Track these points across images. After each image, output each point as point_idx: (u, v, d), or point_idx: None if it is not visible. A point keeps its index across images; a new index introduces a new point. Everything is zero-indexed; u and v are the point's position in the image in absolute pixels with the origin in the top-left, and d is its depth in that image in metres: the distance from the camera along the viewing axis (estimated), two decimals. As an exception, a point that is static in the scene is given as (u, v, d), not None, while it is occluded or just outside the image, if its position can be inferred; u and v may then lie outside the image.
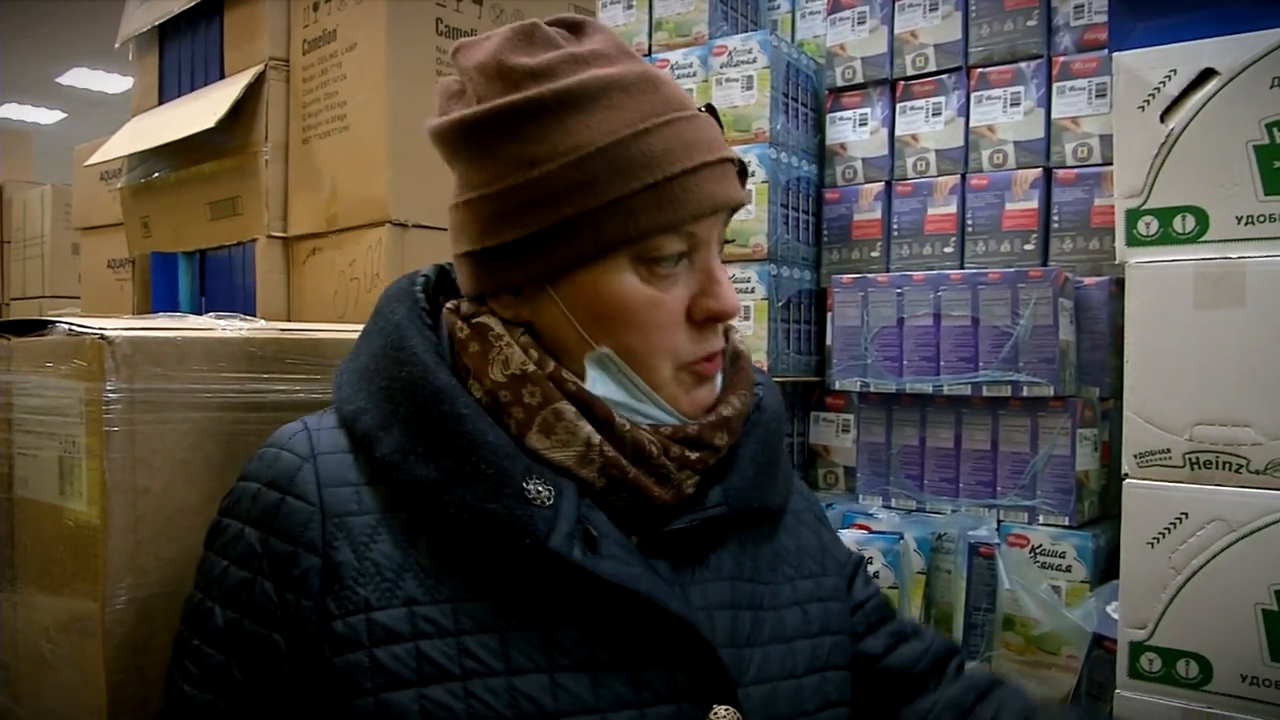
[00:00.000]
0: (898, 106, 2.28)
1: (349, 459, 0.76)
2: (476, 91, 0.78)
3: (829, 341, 2.14)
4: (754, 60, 2.24)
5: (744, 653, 0.78)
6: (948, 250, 2.19)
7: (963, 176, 2.19)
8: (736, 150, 2.23)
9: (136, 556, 0.84)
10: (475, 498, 0.71)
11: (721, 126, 0.82)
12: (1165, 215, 1.35)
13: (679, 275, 0.78)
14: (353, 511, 0.74)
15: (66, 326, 0.86)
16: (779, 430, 0.89)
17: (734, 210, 0.81)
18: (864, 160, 2.33)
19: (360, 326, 0.85)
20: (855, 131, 2.35)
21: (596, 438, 0.75)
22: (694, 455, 0.79)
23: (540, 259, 0.75)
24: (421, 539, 0.73)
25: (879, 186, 2.30)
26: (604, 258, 0.74)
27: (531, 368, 0.76)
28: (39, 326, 0.90)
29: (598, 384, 0.77)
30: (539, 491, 0.72)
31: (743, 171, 0.81)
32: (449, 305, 0.83)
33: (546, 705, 0.69)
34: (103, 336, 0.83)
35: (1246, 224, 1.30)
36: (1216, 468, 1.30)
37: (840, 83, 2.36)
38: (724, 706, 0.74)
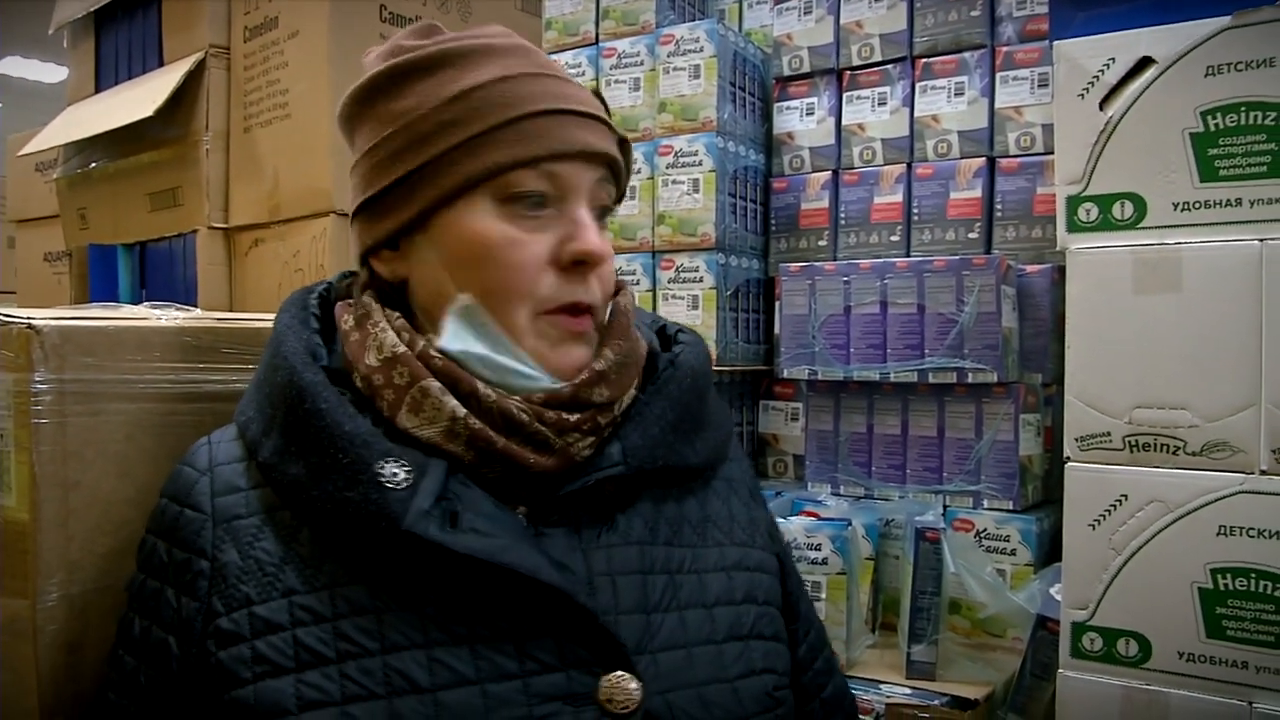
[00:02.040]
0: (844, 96, 2.29)
1: (240, 466, 0.78)
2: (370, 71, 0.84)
3: (777, 330, 2.15)
4: (701, 49, 2.24)
5: (654, 618, 0.77)
6: (894, 239, 2.20)
7: (908, 166, 2.21)
8: (681, 140, 2.23)
9: (68, 552, 0.82)
10: (335, 489, 0.73)
11: (609, 113, 0.83)
12: (1105, 202, 1.37)
13: (545, 221, 0.78)
14: (240, 515, 0.76)
15: (-8, 317, 0.84)
16: (697, 387, 0.85)
17: (609, 167, 0.82)
18: (811, 149, 2.34)
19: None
20: (802, 121, 2.36)
21: (461, 411, 0.74)
22: (573, 417, 0.77)
23: (408, 203, 0.78)
24: (303, 532, 0.75)
25: (826, 175, 2.31)
26: (465, 196, 0.77)
27: (401, 349, 0.77)
28: (-36, 317, 0.87)
29: (455, 340, 0.77)
30: (394, 474, 0.73)
31: (624, 143, 0.83)
32: (342, 303, 0.86)
33: (421, 680, 0.70)
34: (30, 326, 0.80)
35: (1183, 210, 1.32)
36: (1155, 450, 1.33)
37: (787, 72, 2.37)
38: (617, 673, 0.72)
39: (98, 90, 2.18)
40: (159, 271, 2.03)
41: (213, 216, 1.90)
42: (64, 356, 0.82)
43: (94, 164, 2.13)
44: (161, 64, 2.00)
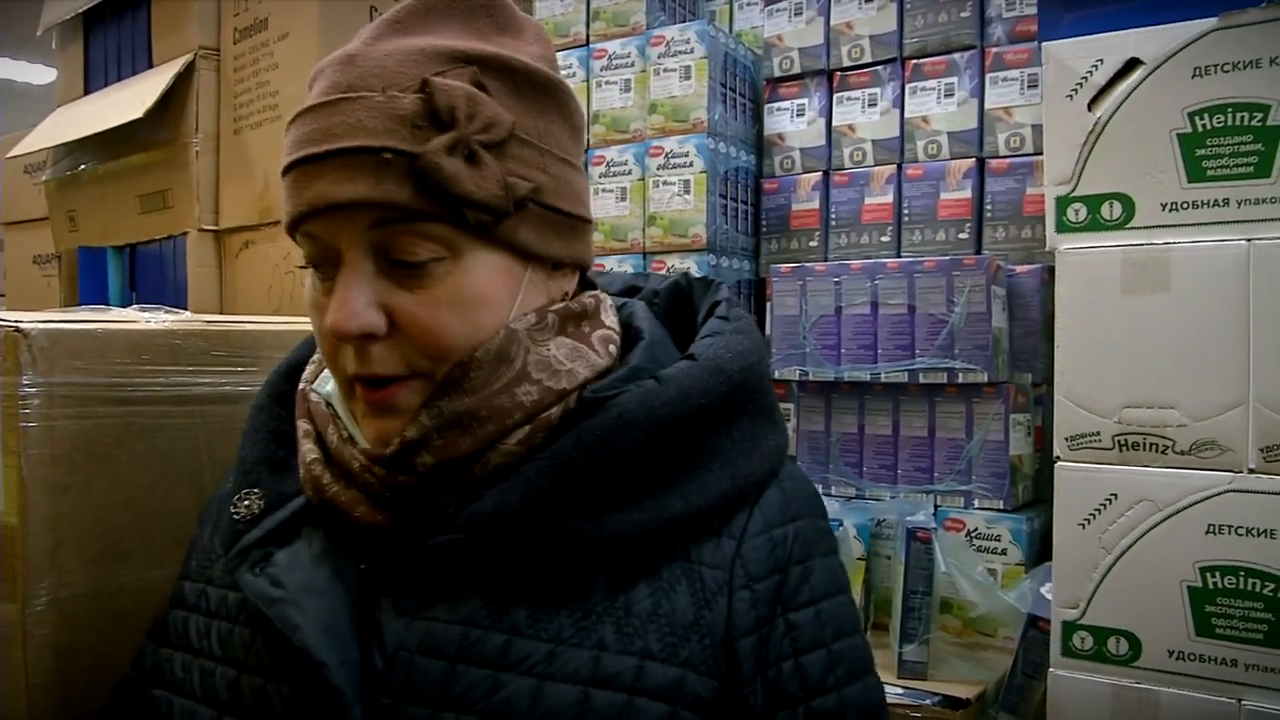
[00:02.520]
0: (835, 97, 2.30)
1: None
2: None
3: (768, 331, 2.15)
4: (692, 50, 2.24)
5: (443, 716, 0.64)
6: (884, 239, 2.21)
7: (898, 166, 2.21)
8: (672, 141, 2.23)
9: (57, 556, 0.82)
10: (224, 505, 0.77)
11: (436, 107, 0.65)
12: (1093, 202, 1.38)
13: (335, 285, 0.68)
14: (222, 497, 0.80)
15: (-20, 320, 0.83)
16: (632, 441, 0.67)
17: (399, 208, 0.64)
18: (802, 150, 2.34)
19: (295, 319, 0.84)
20: (793, 122, 2.36)
21: (311, 454, 0.73)
22: (403, 478, 0.68)
23: None
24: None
25: (817, 176, 2.31)
26: None
27: (303, 385, 0.78)
28: (-48, 321, 0.87)
29: (325, 382, 0.77)
30: (246, 504, 0.75)
31: (421, 167, 0.64)
32: None
33: (221, 696, 0.72)
34: (18, 329, 0.80)
35: (1171, 211, 1.33)
36: (1144, 449, 1.33)
37: (778, 73, 2.37)
38: None
39: (87, 92, 2.18)
40: (149, 274, 2.03)
41: (203, 218, 1.90)
42: (52, 360, 0.82)
43: (83, 166, 2.13)
44: (151, 66, 2.00)
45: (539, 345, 0.70)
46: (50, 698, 0.82)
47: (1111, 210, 1.37)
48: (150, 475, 0.82)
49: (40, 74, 7.97)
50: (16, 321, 0.81)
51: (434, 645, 0.66)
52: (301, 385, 0.78)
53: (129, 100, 1.90)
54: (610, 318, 0.77)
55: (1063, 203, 1.40)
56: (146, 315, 0.93)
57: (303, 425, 0.75)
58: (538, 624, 0.66)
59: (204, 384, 0.91)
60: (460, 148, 0.64)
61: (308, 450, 0.73)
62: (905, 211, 2.19)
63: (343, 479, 0.70)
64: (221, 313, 1.87)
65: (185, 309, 1.62)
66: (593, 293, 0.78)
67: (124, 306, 1.45)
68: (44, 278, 2.61)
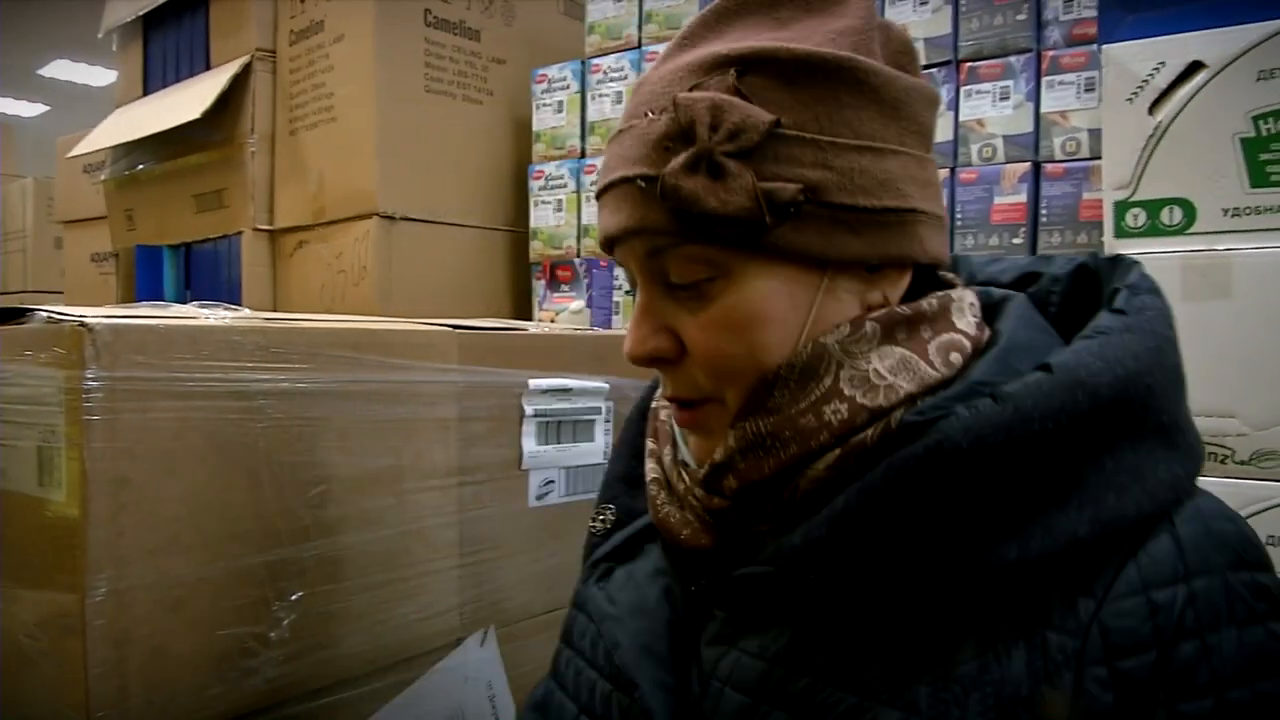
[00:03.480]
0: (886, 100, 2.28)
1: None
2: None
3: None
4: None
5: None
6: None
7: (952, 171, 2.19)
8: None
9: (117, 548, 0.83)
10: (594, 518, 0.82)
11: (681, 124, 0.61)
12: (1153, 207, 1.35)
13: None
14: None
15: (45, 314, 0.85)
16: (942, 479, 0.56)
17: (649, 241, 0.63)
18: (852, 154, 2.33)
19: (349, 318, 0.85)
20: (844, 125, 2.34)
21: (652, 473, 0.73)
22: (715, 501, 0.66)
23: None
24: None
25: (867, 180, 2.29)
26: None
27: (656, 403, 0.80)
28: (17, 315, 0.89)
29: None
30: (601, 518, 0.79)
31: (662, 189, 0.60)
32: None
33: (582, 696, 0.74)
34: (82, 324, 0.82)
35: (1233, 216, 1.30)
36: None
37: (829, 77, 2.36)
38: None
39: (145, 93, 2.22)
40: (204, 272, 2.06)
41: (258, 218, 1.92)
42: (116, 354, 0.83)
43: (141, 166, 2.17)
44: (208, 67, 2.03)
45: (856, 358, 0.62)
46: (107, 687, 0.83)
47: (1171, 215, 1.34)
48: (208, 470, 0.83)
49: (100, 76, 8.15)
50: (81, 316, 0.83)
51: (741, 678, 0.63)
52: (654, 403, 0.77)
53: (186, 101, 1.93)
54: (966, 319, 0.66)
55: (1121, 207, 1.38)
56: (206, 311, 0.94)
57: (649, 444, 0.75)
58: (846, 671, 0.59)
59: (262, 380, 0.92)
60: (702, 162, 0.60)
61: (650, 469, 0.73)
62: (959, 216, 2.17)
63: (675, 500, 0.70)
64: (275, 310, 1.89)
65: (241, 306, 1.64)
66: (942, 293, 0.67)
67: (181, 304, 1.47)
68: (101, 275, 2.66)
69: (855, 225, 0.61)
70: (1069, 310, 0.70)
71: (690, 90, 0.61)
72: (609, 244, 0.66)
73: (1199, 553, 0.57)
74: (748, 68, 0.61)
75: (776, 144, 0.60)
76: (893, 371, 0.62)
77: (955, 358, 0.63)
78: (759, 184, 0.59)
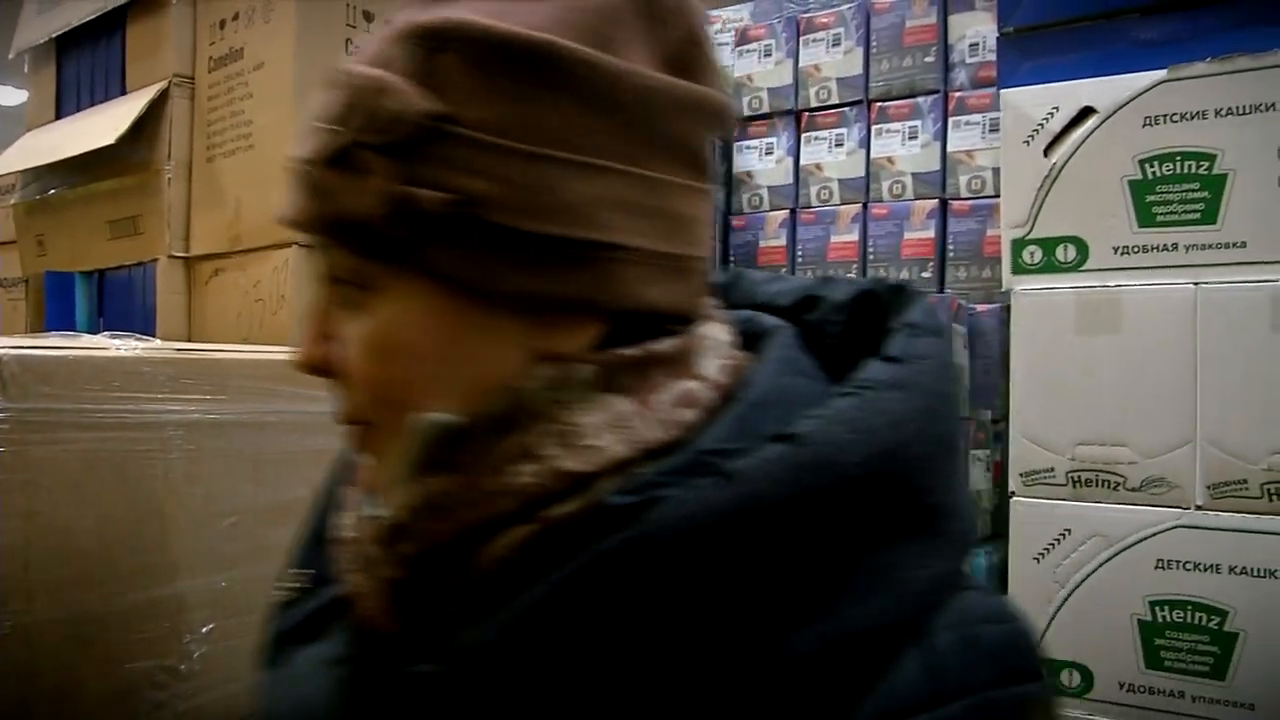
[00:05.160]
0: (802, 137, 2.34)
1: None
2: None
3: (735, 365, 2.17)
4: (662, 88, 2.28)
5: None
6: (850, 277, 2.25)
7: (864, 206, 2.25)
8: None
9: (24, 581, 0.83)
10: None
11: (339, 105, 0.51)
12: (1048, 245, 1.42)
13: None
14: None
15: (-48, 346, 0.84)
16: (639, 588, 0.46)
17: (317, 234, 0.53)
18: (770, 188, 2.38)
19: (267, 347, 0.85)
20: (761, 160, 2.40)
21: (348, 528, 0.58)
22: (385, 571, 0.53)
23: None
24: None
25: (784, 214, 2.35)
26: None
27: None
28: (-77, 346, 0.88)
29: None
30: (290, 585, 0.64)
31: (304, 178, 0.52)
32: None
33: None
34: (-10, 356, 0.81)
35: (1122, 254, 1.37)
36: (1096, 485, 1.36)
37: (747, 112, 2.41)
38: None
39: (58, 116, 2.18)
40: (117, 300, 2.03)
41: (173, 245, 1.90)
42: (23, 385, 0.83)
43: (53, 190, 2.13)
44: (124, 92, 2.00)
45: (562, 410, 0.51)
46: (12, 723, 0.82)
47: (1066, 253, 1.41)
48: (118, 502, 0.83)
49: (10, 95, 7.92)
50: (-12, 348, 0.82)
51: None
52: None
53: (101, 126, 1.91)
54: (712, 363, 0.55)
55: (1019, 245, 1.44)
56: (117, 342, 0.94)
57: (351, 492, 0.59)
58: None
59: (173, 411, 0.92)
60: (342, 153, 0.50)
61: (346, 524, 0.58)
62: (870, 250, 2.23)
63: (364, 565, 0.55)
64: (190, 340, 1.87)
65: (154, 336, 1.62)
66: (684, 332, 0.54)
67: (92, 332, 1.45)
68: (10, 301, 2.59)
69: (520, 255, 0.49)
70: (850, 345, 0.58)
71: (370, 63, 0.51)
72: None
73: (955, 671, 0.47)
74: (443, 45, 0.49)
75: (440, 143, 0.49)
76: (603, 429, 0.50)
77: (687, 414, 0.52)
78: (400, 188, 0.48)
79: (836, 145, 2.30)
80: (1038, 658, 0.51)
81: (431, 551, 0.51)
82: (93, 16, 2.02)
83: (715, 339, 0.56)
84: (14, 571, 0.82)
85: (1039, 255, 1.43)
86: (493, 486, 0.50)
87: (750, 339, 0.58)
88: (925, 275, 2.16)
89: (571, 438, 0.50)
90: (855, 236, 2.24)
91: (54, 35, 2.14)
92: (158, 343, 0.97)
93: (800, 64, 2.34)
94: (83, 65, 2.16)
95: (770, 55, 2.38)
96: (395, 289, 0.51)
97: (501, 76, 0.49)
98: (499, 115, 0.49)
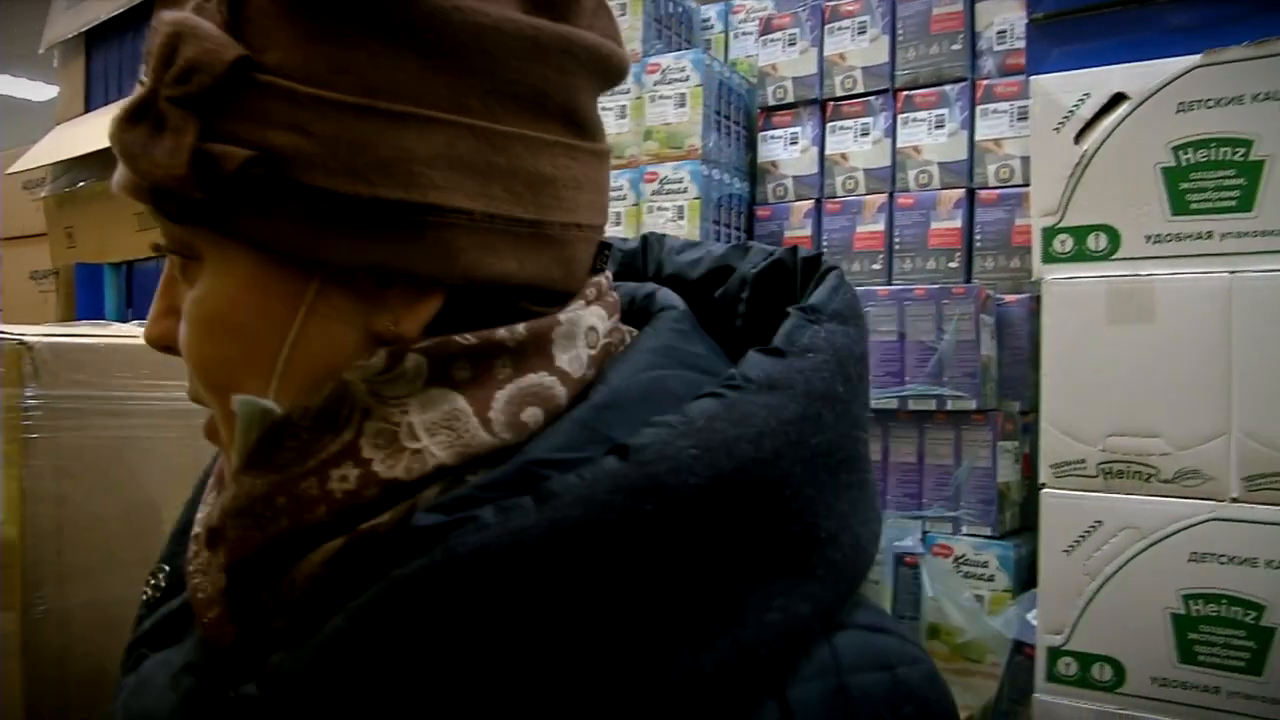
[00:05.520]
0: (827, 126, 2.33)
1: None
2: None
3: (760, 356, 2.17)
4: (687, 78, 2.27)
5: None
6: (875, 267, 2.23)
7: (890, 195, 2.24)
8: (667, 168, 2.25)
9: (57, 566, 0.83)
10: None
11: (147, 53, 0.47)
12: (1079, 233, 1.40)
13: None
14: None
15: (-15, 333, 0.85)
16: (442, 618, 0.41)
17: (137, 199, 0.48)
18: (794, 178, 2.37)
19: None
20: (786, 150, 2.39)
21: (200, 523, 0.53)
22: (202, 579, 0.49)
23: None
24: None
25: (809, 204, 2.34)
26: None
27: None
28: (-44, 333, 0.88)
29: None
30: (152, 584, 0.59)
31: (111, 136, 0.48)
32: None
33: None
34: (22, 342, 0.82)
35: (1155, 243, 1.35)
36: (1128, 477, 1.35)
37: (772, 102, 2.40)
38: None
39: (87, 109, 2.20)
40: (146, 291, 2.04)
41: (201, 237, 1.91)
42: (56, 373, 0.83)
43: (82, 183, 2.15)
44: (152, 85, 2.02)
45: (389, 406, 0.45)
46: (47, 706, 0.82)
47: (1097, 241, 1.39)
48: (148, 488, 0.83)
49: (40, 90, 8.00)
50: (20, 335, 0.83)
51: None
52: None
53: (130, 119, 1.93)
54: (574, 353, 0.48)
55: (1049, 234, 1.43)
56: (147, 331, 0.94)
57: (212, 483, 0.54)
58: None
59: (204, 399, 0.93)
60: (143, 108, 0.45)
61: (198, 518, 0.52)
62: (896, 240, 2.22)
63: (201, 564, 0.50)
64: (217, 330, 1.89)
65: (182, 326, 1.63)
66: (543, 315, 0.48)
67: (121, 322, 1.46)
68: (40, 293, 2.62)
69: (339, 220, 0.44)
70: (757, 323, 0.51)
71: (178, 6, 0.45)
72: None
73: None
74: None
75: (248, 93, 0.43)
76: (431, 430, 0.45)
77: (532, 414, 0.46)
78: (200, 145, 0.43)
79: (862, 134, 2.28)
80: (931, 709, 0.44)
81: (244, 562, 0.46)
82: (121, 10, 2.03)
83: (584, 323, 0.49)
84: (47, 557, 0.83)
85: (1070, 244, 1.41)
86: (308, 491, 0.45)
87: (643, 321, 0.52)
88: (952, 265, 2.14)
89: (393, 439, 0.45)
90: (881, 226, 2.23)
91: (83, 30, 2.15)
92: (187, 331, 0.98)
93: (825, 52, 2.33)
94: (111, 59, 2.18)
95: (795, 44, 2.37)
96: (217, 260, 0.46)
97: (313, 19, 0.43)
98: (312, 62, 0.43)
